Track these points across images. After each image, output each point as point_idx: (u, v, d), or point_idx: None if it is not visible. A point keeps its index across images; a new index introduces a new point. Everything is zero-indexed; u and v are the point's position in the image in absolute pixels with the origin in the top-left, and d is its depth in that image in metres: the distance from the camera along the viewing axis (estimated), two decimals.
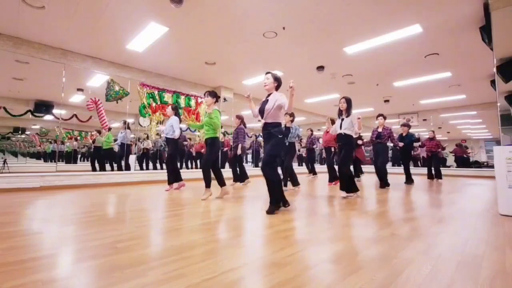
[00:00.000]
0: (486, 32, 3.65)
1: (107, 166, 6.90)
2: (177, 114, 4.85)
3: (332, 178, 5.84)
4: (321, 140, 7.44)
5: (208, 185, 3.80)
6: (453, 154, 11.32)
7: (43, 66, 5.38)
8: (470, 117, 10.69)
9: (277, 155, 2.97)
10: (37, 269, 1.35)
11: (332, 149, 5.97)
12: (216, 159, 3.96)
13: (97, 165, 6.87)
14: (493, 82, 5.18)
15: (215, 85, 7.97)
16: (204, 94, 4.01)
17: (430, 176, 7.50)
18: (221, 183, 3.90)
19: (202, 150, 6.95)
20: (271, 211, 2.80)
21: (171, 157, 4.83)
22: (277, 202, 2.89)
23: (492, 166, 3.14)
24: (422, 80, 7.02)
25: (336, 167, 5.03)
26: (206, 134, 3.87)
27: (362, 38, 4.75)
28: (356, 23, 4.24)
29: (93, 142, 7.09)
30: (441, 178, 7.40)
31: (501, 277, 1.31)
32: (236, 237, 1.97)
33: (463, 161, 10.89)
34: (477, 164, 11.31)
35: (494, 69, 3.30)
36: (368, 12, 3.94)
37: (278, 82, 2.99)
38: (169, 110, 4.84)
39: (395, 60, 5.77)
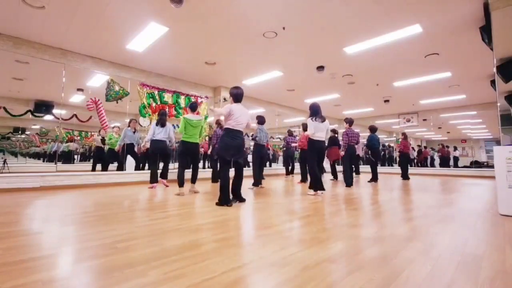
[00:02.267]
0: (486, 32, 3.65)
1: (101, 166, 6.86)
2: (161, 122, 5.08)
3: (304, 179, 6.45)
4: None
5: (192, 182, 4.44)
6: (439, 154, 11.57)
7: (43, 66, 5.39)
8: (470, 117, 10.69)
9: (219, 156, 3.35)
10: (37, 269, 1.35)
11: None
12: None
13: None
14: (493, 82, 5.18)
15: (215, 85, 7.97)
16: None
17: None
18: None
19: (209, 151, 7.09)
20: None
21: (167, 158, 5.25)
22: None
23: (492, 166, 3.14)
24: (422, 80, 7.02)
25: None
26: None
27: (362, 38, 4.75)
28: (356, 23, 4.24)
29: (103, 142, 6.91)
30: (407, 179, 7.49)
31: (501, 277, 1.31)
32: (236, 237, 1.97)
33: (443, 161, 11.12)
34: (477, 164, 11.34)
35: (494, 69, 3.30)
36: (368, 12, 3.94)
37: (231, 96, 3.45)
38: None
39: (395, 60, 5.77)
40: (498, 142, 3.25)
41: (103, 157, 6.66)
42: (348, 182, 5.58)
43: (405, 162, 7.67)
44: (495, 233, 2.12)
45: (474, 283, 1.24)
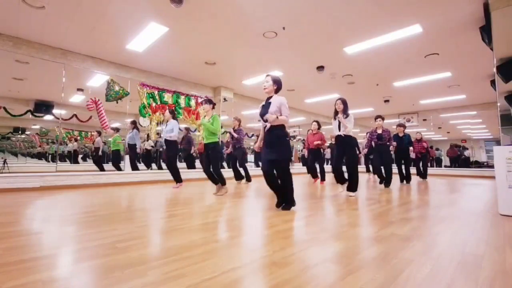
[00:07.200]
0: (486, 32, 3.65)
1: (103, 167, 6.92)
2: (175, 117, 5.00)
3: (315, 176, 6.29)
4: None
5: (216, 183, 4.21)
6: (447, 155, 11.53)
7: (43, 66, 5.39)
8: (470, 117, 10.69)
9: (291, 158, 3.03)
10: (37, 269, 1.35)
11: (322, 150, 6.24)
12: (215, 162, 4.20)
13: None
14: (493, 82, 5.18)
15: (215, 85, 7.97)
16: (201, 102, 4.32)
17: (419, 174, 7.53)
18: (222, 182, 4.20)
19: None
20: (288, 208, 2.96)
21: (172, 158, 4.96)
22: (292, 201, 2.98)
23: (492, 166, 3.13)
24: (422, 80, 7.02)
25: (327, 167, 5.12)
26: (207, 139, 4.03)
27: (362, 38, 4.75)
28: (356, 23, 4.24)
29: (93, 143, 7.13)
30: (425, 178, 7.48)
31: (501, 277, 1.30)
32: (236, 237, 1.97)
33: (455, 160, 11.04)
34: (477, 164, 11.34)
35: (494, 69, 3.30)
36: (368, 12, 3.94)
37: (278, 84, 2.94)
38: (167, 114, 4.99)
39: (395, 60, 5.77)
40: (498, 142, 3.25)
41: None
42: (381, 181, 5.44)
43: (425, 162, 7.62)
44: (495, 233, 2.12)
45: (474, 283, 1.24)
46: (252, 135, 11.35)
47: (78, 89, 7.08)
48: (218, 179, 4.16)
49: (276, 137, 2.86)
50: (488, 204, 3.52)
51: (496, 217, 2.69)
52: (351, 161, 4.03)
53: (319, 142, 5.79)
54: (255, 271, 1.36)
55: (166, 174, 5.05)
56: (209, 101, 4.16)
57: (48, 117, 7.44)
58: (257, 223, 2.43)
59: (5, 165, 7.14)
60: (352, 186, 4.03)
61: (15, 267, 1.36)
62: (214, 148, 4.04)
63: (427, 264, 1.45)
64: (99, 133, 7.17)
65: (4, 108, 6.84)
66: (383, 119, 5.53)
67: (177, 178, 4.97)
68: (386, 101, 9.18)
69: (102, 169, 6.79)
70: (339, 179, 4.22)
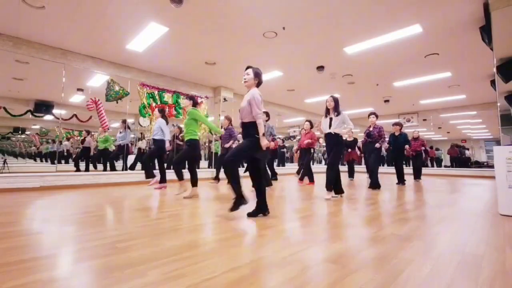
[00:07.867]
0: (486, 32, 3.65)
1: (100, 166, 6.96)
2: (163, 116, 4.88)
3: (312, 178, 5.96)
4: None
5: (181, 179, 3.94)
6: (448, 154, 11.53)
7: (43, 66, 5.38)
8: (470, 117, 10.69)
9: (244, 155, 2.70)
10: (37, 269, 1.35)
11: (312, 150, 6.05)
12: (191, 159, 4.02)
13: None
14: (493, 82, 5.18)
15: (215, 85, 7.98)
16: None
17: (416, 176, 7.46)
18: (194, 183, 3.96)
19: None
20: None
21: (152, 155, 4.89)
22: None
23: (492, 166, 3.13)
24: (422, 80, 7.02)
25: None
26: (186, 135, 3.91)
27: (362, 38, 4.75)
28: (356, 23, 4.24)
29: (82, 142, 7.16)
30: (419, 179, 7.35)
31: (501, 277, 1.30)
32: (236, 237, 1.97)
33: (457, 160, 11.04)
34: (477, 164, 11.34)
35: (494, 69, 3.30)
36: (368, 12, 3.94)
37: (259, 78, 2.69)
38: (156, 112, 4.90)
39: (395, 60, 5.77)
40: (498, 142, 3.25)
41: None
42: (371, 183, 5.03)
43: (420, 162, 7.56)
44: (495, 233, 2.12)
45: (474, 283, 1.24)
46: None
47: (78, 89, 7.08)
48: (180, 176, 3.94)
49: (246, 134, 2.66)
50: (488, 204, 3.52)
51: (496, 217, 2.69)
52: (331, 158, 3.84)
53: (309, 140, 5.75)
54: (255, 271, 1.36)
55: (167, 174, 5.03)
56: (190, 97, 4.07)
57: (48, 117, 7.45)
58: (257, 223, 2.43)
59: (5, 165, 7.14)
60: (326, 184, 3.84)
61: (15, 267, 1.36)
62: (189, 145, 3.88)
63: (427, 264, 1.46)
64: (88, 133, 7.20)
65: (4, 108, 6.84)
66: (376, 116, 5.29)
67: (149, 175, 4.71)
68: (386, 101, 9.18)
69: (95, 167, 6.82)
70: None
